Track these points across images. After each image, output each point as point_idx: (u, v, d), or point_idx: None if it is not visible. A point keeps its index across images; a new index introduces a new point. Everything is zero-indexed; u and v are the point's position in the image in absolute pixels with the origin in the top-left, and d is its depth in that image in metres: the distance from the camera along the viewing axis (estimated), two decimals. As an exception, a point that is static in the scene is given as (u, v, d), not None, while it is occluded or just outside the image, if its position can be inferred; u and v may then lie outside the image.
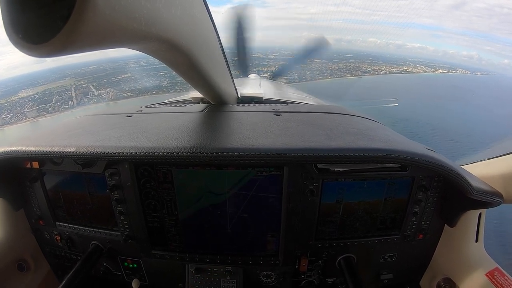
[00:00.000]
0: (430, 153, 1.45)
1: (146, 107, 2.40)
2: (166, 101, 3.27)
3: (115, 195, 1.64)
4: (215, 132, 1.58)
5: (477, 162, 1.80)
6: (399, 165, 1.53)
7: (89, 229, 1.79)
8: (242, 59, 5.13)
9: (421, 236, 1.74)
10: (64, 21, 0.43)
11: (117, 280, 1.95)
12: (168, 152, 1.35)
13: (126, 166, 1.57)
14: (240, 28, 4.77)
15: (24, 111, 48.90)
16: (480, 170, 1.70)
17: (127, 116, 2.03)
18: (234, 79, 2.48)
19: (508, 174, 1.55)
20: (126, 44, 0.69)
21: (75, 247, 1.89)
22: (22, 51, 0.46)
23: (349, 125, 1.76)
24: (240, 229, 1.69)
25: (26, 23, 0.44)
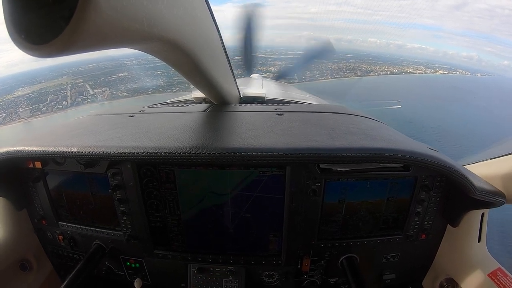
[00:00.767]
0: (432, 153, 1.45)
1: (149, 107, 2.40)
2: (168, 101, 3.28)
3: (117, 195, 1.64)
4: (218, 132, 1.58)
5: (479, 162, 1.79)
6: (402, 165, 1.52)
7: (91, 229, 1.80)
8: (247, 58, 5.12)
9: (423, 236, 1.74)
10: (66, 21, 0.43)
11: (120, 279, 1.96)
12: (171, 152, 1.35)
13: (129, 166, 1.57)
14: (249, 28, 4.78)
15: (18, 111, 48.47)
16: (483, 170, 1.69)
17: (130, 116, 2.03)
18: (236, 79, 2.48)
19: (510, 174, 1.54)
20: (128, 45, 0.69)
21: (78, 247, 1.89)
22: (25, 52, 0.46)
23: (351, 124, 1.76)
24: (242, 229, 1.69)
25: (28, 23, 0.45)
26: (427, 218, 1.69)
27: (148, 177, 1.60)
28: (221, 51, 1.64)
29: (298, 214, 1.60)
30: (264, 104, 2.51)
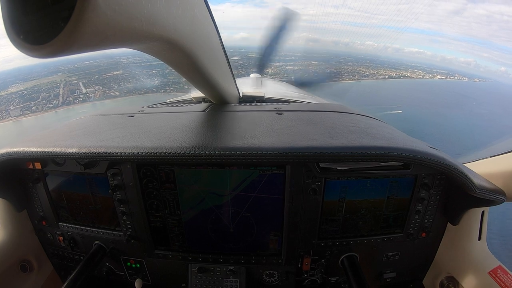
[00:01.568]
0: (432, 151, 1.45)
1: (148, 107, 2.40)
2: (168, 101, 3.27)
3: (117, 195, 1.64)
4: (217, 131, 1.58)
5: (480, 160, 1.80)
6: (402, 163, 1.52)
7: (91, 229, 1.80)
8: (264, 59, 5.10)
9: (424, 234, 1.74)
10: (65, 22, 0.43)
11: (120, 280, 1.95)
12: (170, 152, 1.35)
13: (129, 166, 1.57)
14: (282, 29, 4.76)
15: (9, 109, 47.67)
16: (483, 168, 1.70)
17: (129, 116, 2.03)
18: (235, 79, 2.48)
19: (511, 172, 1.55)
20: (127, 44, 0.69)
21: (78, 248, 1.89)
22: (24, 52, 0.46)
23: (351, 123, 1.76)
24: (242, 228, 1.69)
25: (27, 24, 0.45)
26: (427, 216, 1.69)
27: (148, 177, 1.59)
28: (220, 51, 1.64)
29: (298, 213, 1.60)
30: (264, 104, 2.52)
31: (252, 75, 4.57)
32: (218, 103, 2.31)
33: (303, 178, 1.53)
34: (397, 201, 1.64)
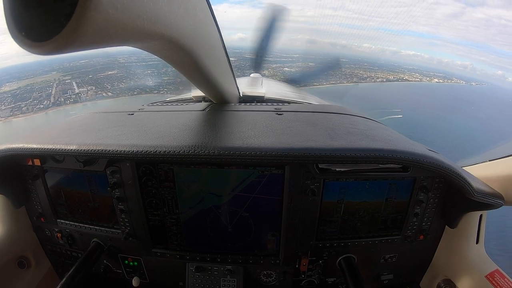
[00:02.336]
0: (431, 154, 1.45)
1: (148, 105, 2.41)
2: (168, 99, 3.27)
3: (116, 193, 1.64)
4: (217, 131, 1.59)
5: (478, 163, 1.80)
6: (401, 166, 1.53)
7: (90, 226, 1.79)
8: (259, 59, 5.09)
9: (421, 237, 1.74)
10: (67, 19, 0.43)
11: (118, 278, 1.95)
12: (170, 151, 1.35)
13: (128, 164, 1.57)
14: (270, 28, 4.75)
15: (0, 109, 46.87)
16: (482, 172, 1.70)
17: (129, 114, 2.03)
18: (236, 78, 2.48)
19: (509, 176, 1.55)
20: (129, 43, 0.69)
21: (76, 245, 1.89)
22: (25, 49, 0.46)
23: (350, 125, 1.76)
24: (241, 228, 1.69)
25: (29, 21, 0.45)
26: (425, 219, 1.70)
27: (147, 175, 1.59)
28: (221, 50, 1.64)
29: (296, 214, 1.60)
30: (264, 104, 2.51)
31: (252, 75, 4.56)
32: (218, 103, 2.31)
33: (302, 179, 1.53)
34: (396, 203, 1.65)
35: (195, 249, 1.77)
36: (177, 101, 3.01)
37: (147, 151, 1.36)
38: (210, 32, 1.30)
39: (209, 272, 1.77)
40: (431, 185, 1.61)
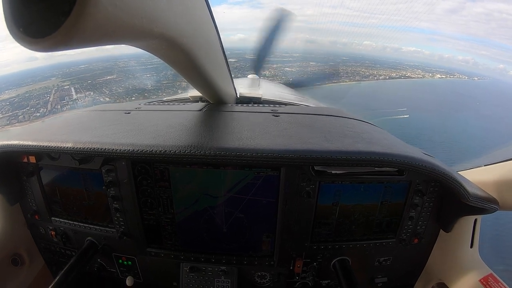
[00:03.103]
0: (427, 158, 1.45)
1: (145, 104, 2.40)
2: (164, 99, 3.26)
3: (111, 192, 1.64)
4: (213, 131, 1.58)
5: (474, 168, 1.80)
6: (396, 169, 1.53)
7: (84, 225, 1.79)
8: (260, 59, 5.08)
9: (416, 240, 1.74)
10: (65, 15, 0.43)
11: (112, 276, 1.95)
12: (166, 150, 1.35)
13: (123, 163, 1.57)
14: (276, 30, 4.73)
15: None
16: (477, 176, 1.70)
17: (125, 113, 2.03)
18: (233, 79, 2.48)
19: (504, 181, 1.55)
20: (127, 41, 0.69)
21: (70, 243, 1.89)
22: (23, 45, 0.45)
23: (347, 127, 1.76)
24: (236, 229, 1.69)
25: (27, 17, 0.44)
26: (420, 222, 1.70)
27: (143, 174, 1.59)
28: (219, 51, 1.64)
29: (291, 216, 1.60)
30: (261, 105, 2.51)
31: (249, 76, 4.55)
32: (215, 103, 2.31)
33: (297, 181, 1.53)
34: (391, 206, 1.65)
35: (190, 249, 1.77)
36: (174, 100, 3.00)
37: (143, 150, 1.36)
38: (209, 32, 1.30)
39: (203, 273, 1.77)
40: (427, 189, 1.61)
